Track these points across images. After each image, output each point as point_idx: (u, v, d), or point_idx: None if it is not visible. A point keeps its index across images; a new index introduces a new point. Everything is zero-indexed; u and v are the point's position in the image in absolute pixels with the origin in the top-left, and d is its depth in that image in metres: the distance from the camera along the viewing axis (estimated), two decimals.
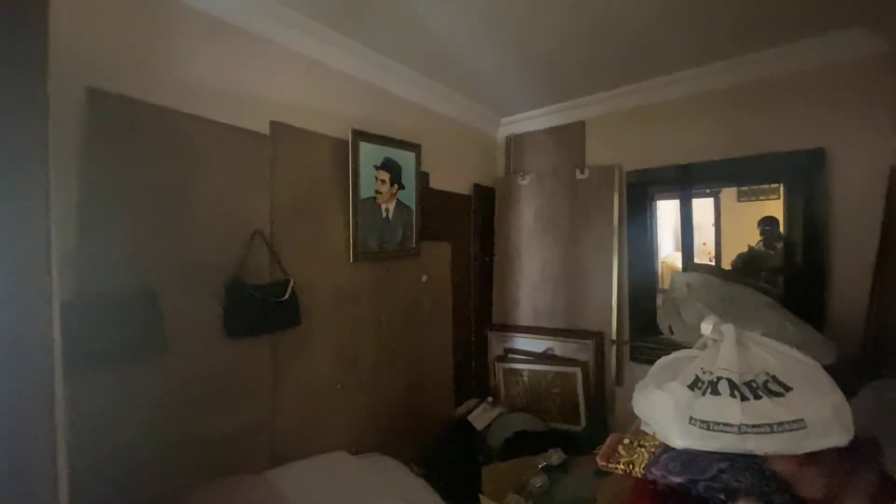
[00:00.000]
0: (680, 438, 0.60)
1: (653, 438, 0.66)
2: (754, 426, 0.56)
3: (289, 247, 1.63)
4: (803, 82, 1.93)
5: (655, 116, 2.33)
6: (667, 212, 2.54)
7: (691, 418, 0.60)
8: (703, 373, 0.63)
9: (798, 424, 0.55)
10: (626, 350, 2.36)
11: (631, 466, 0.62)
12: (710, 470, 0.56)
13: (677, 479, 0.57)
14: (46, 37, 0.56)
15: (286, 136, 1.65)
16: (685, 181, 2.33)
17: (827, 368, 0.63)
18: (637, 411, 0.71)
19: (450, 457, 2.17)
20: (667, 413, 0.62)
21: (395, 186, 2.05)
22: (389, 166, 2.01)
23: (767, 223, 2.26)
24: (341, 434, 1.80)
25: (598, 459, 0.70)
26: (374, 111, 2.01)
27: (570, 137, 2.62)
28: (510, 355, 2.60)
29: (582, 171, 2.49)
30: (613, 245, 2.40)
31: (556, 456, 1.72)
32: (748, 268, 2.33)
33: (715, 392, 0.60)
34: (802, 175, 1.98)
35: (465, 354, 2.59)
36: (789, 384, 0.59)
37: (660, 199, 2.48)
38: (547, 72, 2.17)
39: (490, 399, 2.53)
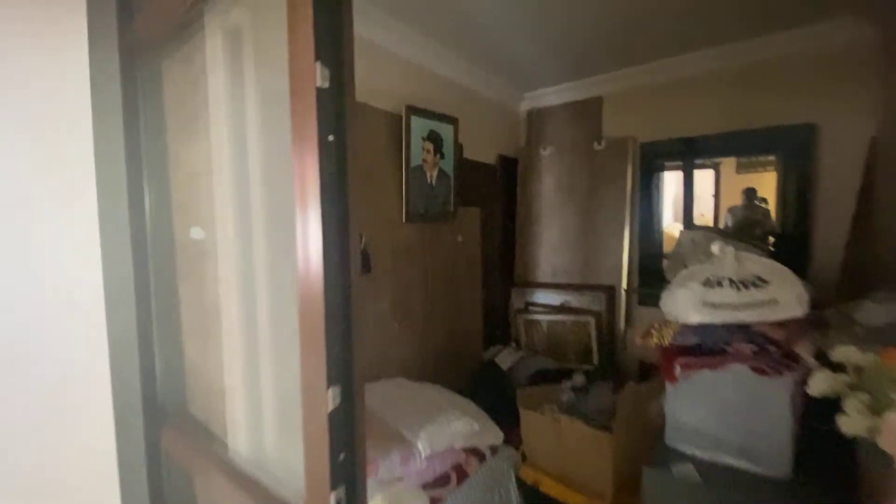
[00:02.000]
0: (696, 316, 0.92)
1: (674, 324, 0.98)
2: (745, 304, 0.88)
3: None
4: (798, 65, 2.19)
5: (666, 93, 2.59)
6: (671, 182, 2.84)
7: (704, 302, 0.91)
8: (712, 276, 0.94)
9: (773, 302, 0.87)
10: (635, 298, 2.69)
11: (662, 339, 0.95)
12: (715, 334, 0.89)
13: (694, 341, 0.90)
14: None
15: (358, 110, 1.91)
16: (690, 153, 2.62)
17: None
18: (664, 307, 1.03)
19: (483, 390, 2.53)
20: (687, 301, 0.94)
21: (438, 156, 2.32)
22: (434, 138, 2.28)
23: (749, 192, 2.61)
24: (398, 365, 2.14)
25: (637, 339, 1.02)
26: (419, 88, 2.27)
27: (587, 111, 2.88)
28: (530, 307, 2.94)
29: (599, 143, 2.76)
30: (626, 210, 2.70)
31: (579, 379, 2.08)
32: (742, 229, 2.66)
33: (720, 286, 0.92)
34: (796, 147, 2.28)
35: (491, 307, 2.93)
36: (768, 279, 0.90)
37: (667, 170, 2.77)
38: (567, 50, 2.41)
39: (513, 345, 2.89)
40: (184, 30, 1.01)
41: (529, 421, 1.89)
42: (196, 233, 1.07)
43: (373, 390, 1.75)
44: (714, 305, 0.91)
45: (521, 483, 1.90)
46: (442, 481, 1.60)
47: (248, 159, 0.95)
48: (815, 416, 0.85)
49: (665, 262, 2.50)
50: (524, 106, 3.13)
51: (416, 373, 2.23)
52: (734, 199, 2.72)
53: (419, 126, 2.18)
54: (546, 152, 2.95)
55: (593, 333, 2.70)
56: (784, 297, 0.89)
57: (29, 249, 0.96)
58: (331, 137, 0.64)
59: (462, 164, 2.55)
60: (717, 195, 2.92)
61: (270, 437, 1.00)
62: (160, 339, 1.15)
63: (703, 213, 2.89)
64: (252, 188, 0.96)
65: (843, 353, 0.77)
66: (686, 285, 0.97)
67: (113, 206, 1.03)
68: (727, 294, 0.91)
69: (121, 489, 1.07)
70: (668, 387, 0.96)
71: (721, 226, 2.75)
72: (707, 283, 0.95)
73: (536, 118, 3.09)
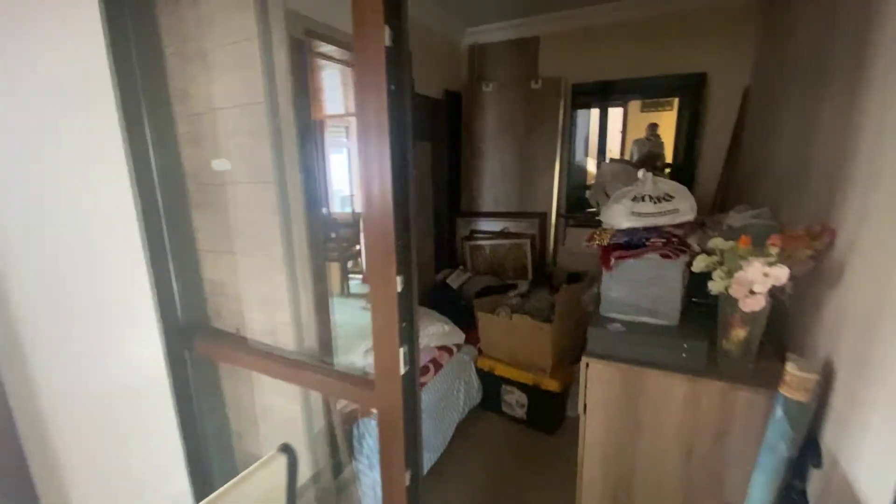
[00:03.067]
0: (626, 223, 1.30)
1: (610, 230, 1.36)
2: (659, 213, 1.27)
3: None
4: (695, 19, 2.60)
5: (593, 38, 2.90)
6: (587, 120, 3.25)
7: (632, 213, 1.29)
8: (637, 194, 1.32)
9: (675, 211, 1.27)
10: (568, 222, 3.18)
11: (602, 241, 1.33)
12: (639, 234, 1.28)
13: (624, 239, 1.28)
14: None
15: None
16: (606, 94, 3.03)
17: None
18: (603, 218, 1.40)
19: (440, 306, 2.90)
20: (621, 212, 1.31)
21: None
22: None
23: (652, 127, 3.14)
24: None
25: (584, 242, 1.40)
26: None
27: (525, 50, 3.10)
28: (475, 234, 3.31)
29: (536, 82, 3.03)
30: (557, 146, 3.08)
31: (523, 287, 2.52)
32: (646, 161, 3.20)
33: (643, 201, 1.30)
34: (690, 92, 2.76)
35: (440, 235, 3.24)
36: (673, 195, 1.30)
37: (588, 108, 3.16)
38: None
39: (461, 268, 3.27)
40: None
41: (486, 322, 2.30)
42: (220, 164, 1.18)
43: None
44: (639, 215, 1.30)
45: (479, 371, 2.35)
46: (423, 371, 1.96)
47: (277, 98, 1.08)
48: (696, 286, 1.30)
49: (588, 192, 2.97)
50: (467, 41, 3.25)
51: None
52: (638, 134, 3.24)
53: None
54: (488, 89, 3.15)
55: (528, 254, 3.16)
56: (683, 207, 1.29)
57: (75, 186, 1.02)
58: (392, 87, 0.83)
59: (413, 98, 2.68)
60: (623, 131, 3.42)
61: (311, 334, 1.23)
62: (183, 261, 1.28)
63: (611, 147, 3.39)
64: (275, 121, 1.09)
65: (715, 242, 1.19)
66: (620, 202, 1.34)
67: (139, 144, 1.10)
68: (647, 207, 1.30)
69: (172, 388, 1.25)
70: (605, 273, 1.36)
71: (627, 157, 3.28)
72: (634, 199, 1.32)
73: (479, 54, 3.24)
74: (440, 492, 1.85)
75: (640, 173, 1.36)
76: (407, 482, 1.03)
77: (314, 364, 1.16)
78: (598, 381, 1.31)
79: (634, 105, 3.33)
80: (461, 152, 3.30)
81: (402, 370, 0.96)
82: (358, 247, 3.64)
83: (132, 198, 1.11)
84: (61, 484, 1.05)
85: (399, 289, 0.91)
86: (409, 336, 0.96)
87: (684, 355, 1.22)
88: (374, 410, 1.04)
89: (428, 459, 1.90)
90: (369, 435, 1.54)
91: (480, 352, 2.39)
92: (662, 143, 3.20)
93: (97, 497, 1.12)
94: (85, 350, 1.08)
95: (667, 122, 3.20)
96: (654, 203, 1.30)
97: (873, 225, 0.92)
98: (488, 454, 2.09)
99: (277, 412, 1.40)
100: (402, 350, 0.94)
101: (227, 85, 1.11)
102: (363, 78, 0.83)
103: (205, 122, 1.18)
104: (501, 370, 2.28)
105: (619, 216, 1.33)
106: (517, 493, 1.83)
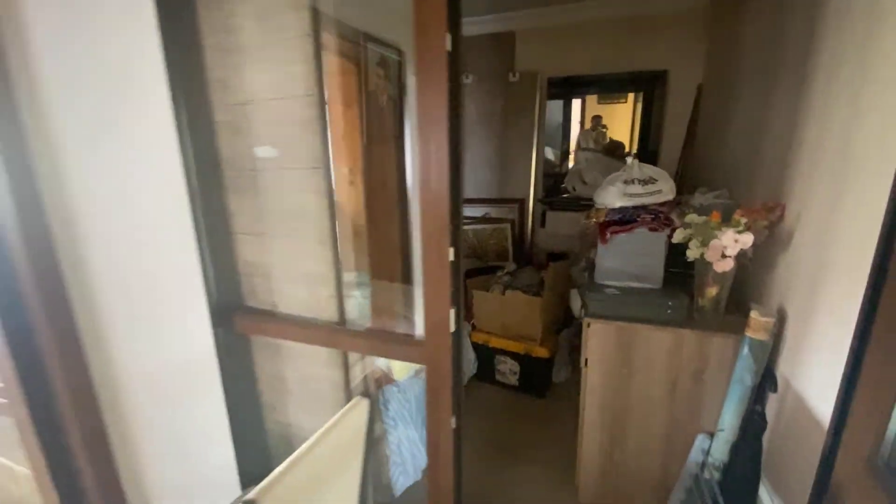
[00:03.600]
0: (619, 202, 1.52)
1: (604, 209, 1.58)
2: (646, 193, 1.50)
3: None
4: (656, 20, 2.88)
5: (565, 35, 3.12)
6: (559, 111, 3.51)
7: (623, 194, 1.52)
8: (627, 178, 1.54)
9: (659, 192, 1.51)
10: (540, 207, 3.42)
11: (598, 218, 1.55)
12: (629, 211, 1.50)
13: (618, 216, 1.51)
14: None
15: None
16: (576, 88, 3.29)
17: None
18: (597, 199, 1.62)
19: None
20: (614, 194, 1.53)
21: (387, 81, 2.53)
22: (383, 64, 2.47)
23: (596, 119, 3.48)
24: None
25: (583, 219, 1.61)
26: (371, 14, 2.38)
27: (503, 44, 3.27)
28: None
29: (513, 75, 3.22)
30: (534, 135, 3.30)
31: (511, 267, 2.74)
32: (611, 150, 3.50)
33: (633, 184, 1.52)
34: (651, 87, 3.06)
35: None
36: (657, 178, 1.53)
37: (558, 100, 3.41)
38: None
39: None
40: None
41: (480, 298, 2.50)
42: (265, 151, 1.27)
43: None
44: (629, 195, 1.52)
45: (474, 344, 2.55)
46: None
47: (324, 90, 1.19)
48: (671, 257, 1.55)
49: (566, 178, 3.23)
50: None
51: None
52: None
53: (373, 52, 2.35)
54: (468, 80, 3.31)
55: (509, 237, 3.38)
56: (665, 188, 1.53)
57: (132, 167, 1.09)
58: (451, 86, 0.98)
59: (403, 89, 2.79)
60: (581, 121, 3.71)
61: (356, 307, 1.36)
62: (221, 243, 1.37)
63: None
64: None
65: (690, 217, 1.44)
66: (614, 184, 1.56)
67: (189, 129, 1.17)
68: (636, 188, 1.52)
69: (218, 363, 1.34)
70: (600, 246, 1.58)
71: (573, 146, 3.59)
72: (625, 182, 1.55)
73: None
74: None
75: (629, 159, 1.59)
76: (454, 425, 1.20)
77: (362, 330, 1.30)
78: (596, 338, 1.53)
79: (591, 98, 3.63)
80: None
81: (452, 328, 1.12)
82: None
83: (184, 185, 1.19)
84: (132, 445, 1.14)
85: (451, 259, 1.07)
86: (457, 300, 1.12)
87: (669, 311, 1.47)
88: (416, 367, 1.20)
89: None
90: (393, 400, 1.69)
91: (474, 327, 2.59)
92: (605, 132, 3.52)
93: (156, 458, 1.20)
94: (145, 329, 1.16)
95: (622, 114, 3.52)
96: (643, 185, 1.53)
97: (815, 200, 1.19)
98: (487, 418, 2.30)
99: (312, 383, 1.52)
100: (452, 311, 1.11)
101: (275, 77, 1.20)
102: (426, 78, 0.98)
103: (247, 111, 1.27)
104: (495, 342, 2.49)
105: (613, 197, 1.55)
106: (518, 450, 2.05)
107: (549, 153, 3.63)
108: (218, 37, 1.24)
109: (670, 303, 1.47)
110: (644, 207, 1.54)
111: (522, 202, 3.38)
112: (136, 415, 1.14)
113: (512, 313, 2.43)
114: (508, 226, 3.37)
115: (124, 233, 1.08)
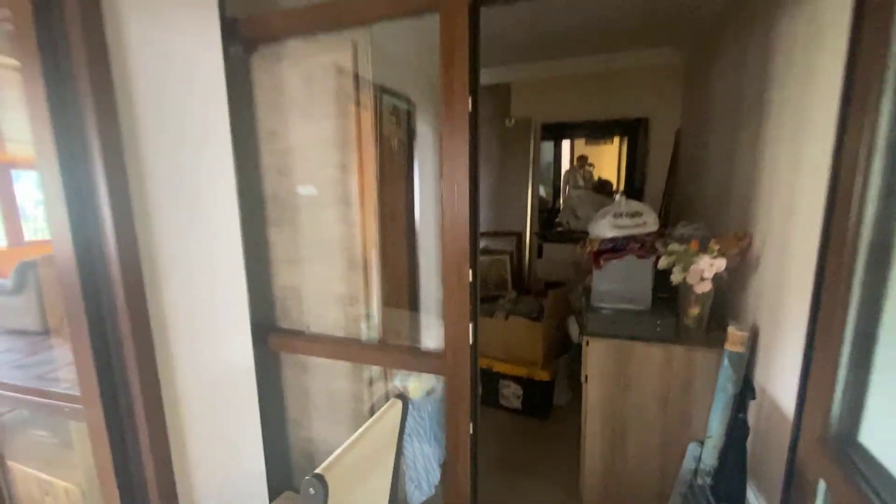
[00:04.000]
0: (610, 233, 1.74)
1: (597, 240, 1.79)
2: (634, 225, 1.72)
3: None
4: (637, 74, 3.23)
5: (556, 86, 3.47)
6: (549, 152, 3.82)
7: (614, 225, 1.74)
8: (617, 212, 1.77)
9: (644, 223, 1.73)
10: (536, 239, 3.65)
11: (593, 247, 1.76)
12: (619, 241, 1.72)
13: (610, 245, 1.72)
14: None
15: None
16: (566, 133, 3.60)
17: None
18: (591, 230, 1.84)
19: None
20: (606, 226, 1.75)
21: (398, 127, 2.81)
22: (396, 112, 2.75)
23: (582, 158, 3.76)
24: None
25: (577, 248, 1.83)
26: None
27: (500, 94, 3.61)
28: None
29: (510, 121, 3.54)
30: (529, 175, 3.57)
31: (511, 294, 2.92)
32: (600, 189, 3.78)
33: (622, 217, 1.75)
34: (634, 132, 3.38)
35: None
36: (642, 213, 1.76)
37: (549, 141, 3.73)
38: (486, 44, 3.06)
39: None
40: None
41: (484, 324, 2.66)
42: (306, 189, 1.48)
43: None
44: (619, 227, 1.74)
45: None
46: None
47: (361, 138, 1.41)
48: (657, 282, 1.75)
49: (560, 213, 3.48)
50: None
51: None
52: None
53: (387, 102, 2.63)
54: None
55: (508, 268, 3.58)
56: (649, 221, 1.76)
57: (200, 203, 1.28)
58: (471, 140, 1.21)
59: (412, 134, 3.07)
60: (571, 159, 4.01)
61: (377, 324, 1.53)
62: (261, 269, 1.55)
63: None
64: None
65: (672, 247, 1.66)
66: (605, 217, 1.79)
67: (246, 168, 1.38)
68: (625, 221, 1.75)
69: (257, 380, 1.49)
70: (595, 272, 1.78)
71: (562, 185, 3.87)
72: (615, 216, 1.77)
73: None
74: None
75: (617, 196, 1.82)
76: (471, 431, 1.35)
77: (390, 345, 1.46)
78: (595, 354, 1.71)
79: (579, 141, 3.96)
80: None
81: (471, 341, 1.30)
82: None
83: (238, 219, 1.39)
84: (184, 449, 1.26)
85: (469, 279, 1.26)
86: (475, 316, 1.30)
87: (658, 329, 1.65)
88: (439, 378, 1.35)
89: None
90: (409, 417, 1.82)
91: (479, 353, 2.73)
92: (591, 171, 3.81)
93: (202, 462, 1.33)
94: (201, 343, 1.31)
95: (610, 154, 3.82)
96: (630, 218, 1.76)
97: (773, 229, 1.41)
98: (493, 439, 2.41)
99: (334, 399, 1.66)
100: (470, 325, 1.28)
101: (317, 128, 1.43)
102: (451, 134, 1.20)
103: (291, 156, 1.48)
104: (499, 367, 2.63)
105: (605, 228, 1.77)
106: (524, 466, 2.16)
107: (542, 190, 3.90)
108: (270, 95, 1.47)
109: (659, 322, 1.66)
110: (632, 237, 1.76)
111: (520, 235, 3.61)
112: (190, 420, 1.28)
113: (514, 338, 2.59)
114: (508, 257, 3.57)
115: (190, 256, 1.26)
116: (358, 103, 1.40)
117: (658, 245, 1.74)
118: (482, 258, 3.55)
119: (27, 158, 1.91)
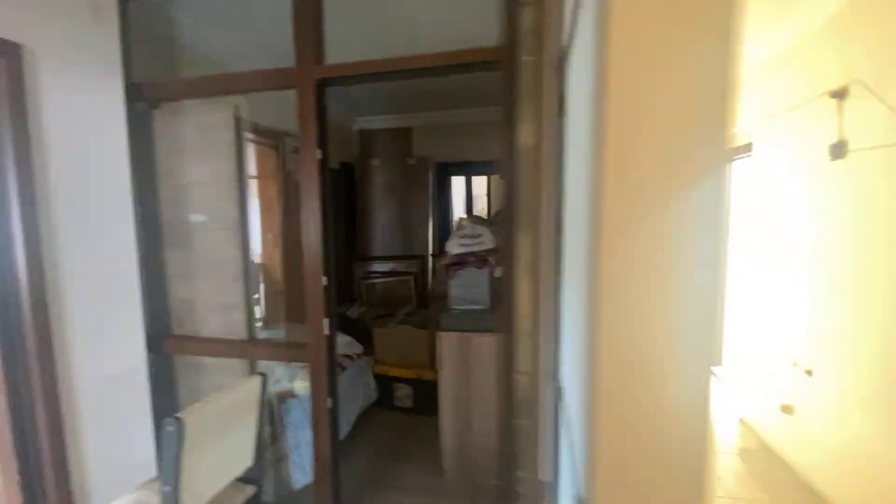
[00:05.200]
0: (457, 249, 2.22)
1: (448, 255, 2.27)
2: (474, 244, 2.23)
3: None
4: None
5: (447, 131, 4.06)
6: (457, 186, 4.39)
7: (460, 244, 2.22)
8: (464, 234, 2.28)
9: (482, 242, 2.24)
10: (435, 260, 4.13)
11: (445, 261, 2.22)
12: (464, 256, 2.20)
13: (456, 259, 2.20)
14: None
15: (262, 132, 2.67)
16: (467, 169, 4.19)
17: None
18: (446, 249, 2.32)
19: (342, 332, 3.55)
20: (454, 244, 2.23)
21: None
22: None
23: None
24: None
25: (443, 264, 2.29)
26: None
27: (402, 136, 4.14)
28: (368, 275, 4.08)
29: (411, 159, 4.06)
30: (429, 205, 4.09)
31: (408, 308, 3.34)
32: (480, 218, 4.37)
33: (467, 238, 2.25)
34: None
35: (339, 275, 3.93)
36: (481, 234, 2.28)
37: (454, 176, 4.29)
38: (388, 95, 3.61)
39: (358, 302, 3.97)
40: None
41: (380, 333, 3.05)
42: (197, 217, 1.83)
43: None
44: (463, 245, 2.25)
45: (376, 375, 3.05)
46: None
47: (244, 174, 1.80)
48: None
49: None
50: (357, 126, 4.20)
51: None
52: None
53: (290, 144, 3.03)
54: (376, 163, 4.10)
55: (413, 287, 4.01)
56: (486, 240, 2.29)
57: (101, 234, 1.59)
58: (320, 180, 1.64)
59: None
60: (489, 193, 4.61)
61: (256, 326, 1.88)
62: (157, 283, 1.85)
63: (482, 206, 4.56)
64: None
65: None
66: (454, 238, 2.29)
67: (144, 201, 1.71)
68: (468, 241, 2.26)
69: (149, 378, 1.76)
70: (449, 281, 2.26)
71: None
72: (461, 237, 2.28)
73: (366, 136, 4.20)
74: (349, 463, 2.45)
75: (465, 222, 2.34)
76: (329, 405, 1.71)
77: (264, 341, 1.80)
78: (447, 346, 2.15)
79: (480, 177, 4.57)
80: (356, 209, 4.13)
81: (326, 332, 1.68)
82: None
83: (134, 242, 1.70)
84: (79, 438, 1.51)
85: (325, 283, 1.66)
86: (329, 313, 1.69)
87: (491, 323, 2.14)
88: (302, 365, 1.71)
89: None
90: (294, 409, 2.14)
91: (376, 361, 3.10)
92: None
93: (96, 449, 1.57)
94: (96, 349, 1.59)
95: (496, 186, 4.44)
96: (472, 238, 2.27)
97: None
98: (383, 435, 2.75)
99: None
100: (326, 320, 1.67)
101: (207, 167, 1.80)
102: (307, 177, 1.62)
103: (185, 190, 1.83)
104: (394, 371, 3.00)
105: (453, 246, 2.26)
106: (404, 453, 2.52)
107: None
108: (169, 141, 1.83)
109: (493, 317, 2.14)
110: (472, 253, 2.26)
111: (423, 257, 4.08)
112: (82, 408, 1.54)
113: (405, 344, 2.99)
114: (412, 278, 4.01)
115: (90, 274, 1.56)
116: (240, 148, 1.79)
117: (489, 258, 2.26)
118: (388, 279, 3.97)
119: None
